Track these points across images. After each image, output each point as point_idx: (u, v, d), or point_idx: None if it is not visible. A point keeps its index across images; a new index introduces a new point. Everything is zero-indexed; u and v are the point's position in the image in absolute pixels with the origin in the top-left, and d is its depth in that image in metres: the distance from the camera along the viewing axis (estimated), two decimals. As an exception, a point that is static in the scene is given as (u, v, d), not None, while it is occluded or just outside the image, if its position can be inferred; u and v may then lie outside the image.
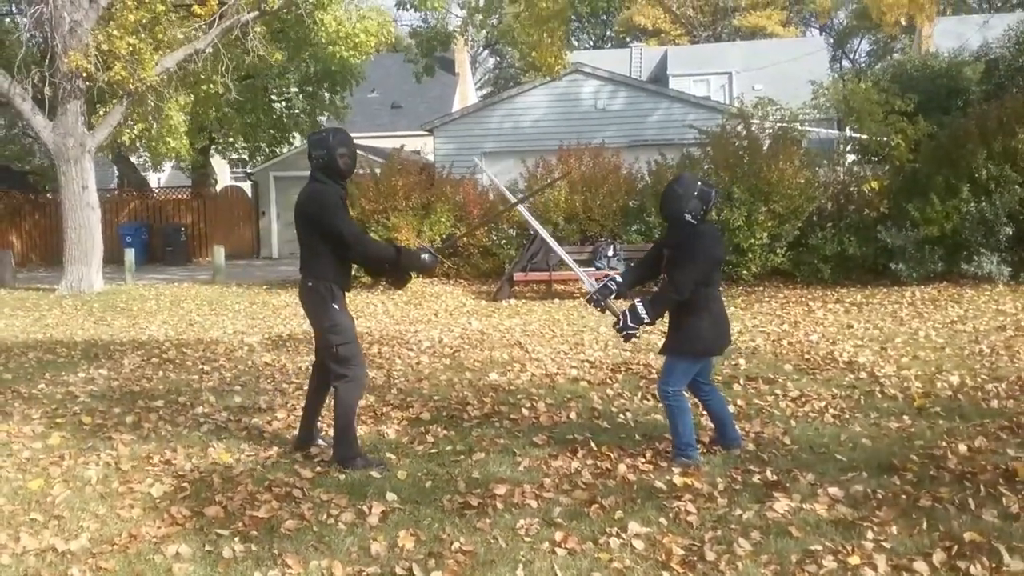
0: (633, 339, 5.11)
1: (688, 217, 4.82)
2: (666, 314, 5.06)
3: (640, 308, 4.88)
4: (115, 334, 10.85)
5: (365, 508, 4.39)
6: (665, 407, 5.08)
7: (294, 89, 24.88)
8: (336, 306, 5.01)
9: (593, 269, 13.94)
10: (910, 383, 6.90)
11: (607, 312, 5.24)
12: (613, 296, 5.14)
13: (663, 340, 5.18)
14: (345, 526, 4.21)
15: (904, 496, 4.39)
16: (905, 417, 5.93)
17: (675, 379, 4.99)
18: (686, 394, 5.11)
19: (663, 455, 5.13)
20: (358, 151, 5.42)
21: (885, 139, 14.44)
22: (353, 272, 5.33)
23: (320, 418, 5.60)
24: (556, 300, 13.35)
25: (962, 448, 5.08)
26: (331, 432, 5.31)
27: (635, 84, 22.07)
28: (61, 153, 15.83)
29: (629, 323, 4.93)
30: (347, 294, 5.19)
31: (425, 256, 5.16)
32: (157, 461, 5.34)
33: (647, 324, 4.97)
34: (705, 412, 5.48)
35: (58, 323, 12.09)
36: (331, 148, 4.97)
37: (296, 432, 5.63)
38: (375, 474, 4.92)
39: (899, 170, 13.92)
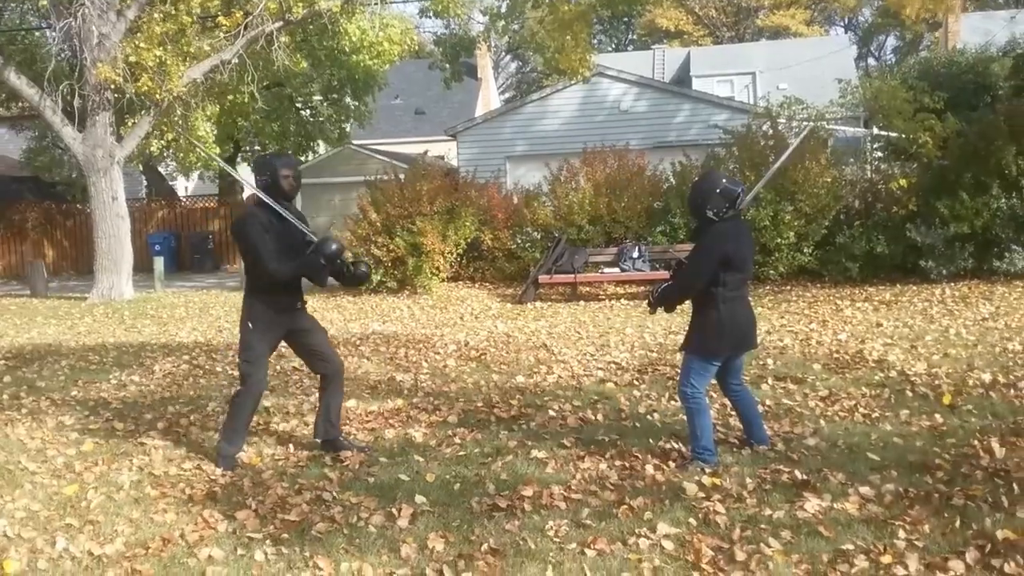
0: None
1: (709, 214, 4.82)
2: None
3: (652, 295, 5.13)
4: (145, 341, 10.98)
5: (394, 510, 4.41)
6: (684, 408, 5.07)
7: (318, 97, 25.06)
8: (250, 324, 5.23)
9: (617, 271, 13.94)
10: (941, 381, 6.84)
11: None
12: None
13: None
14: (375, 528, 4.24)
15: (936, 495, 4.35)
16: (936, 415, 5.87)
17: (692, 379, 4.97)
18: (706, 397, 5.10)
19: (688, 457, 5.11)
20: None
21: (913, 137, 14.31)
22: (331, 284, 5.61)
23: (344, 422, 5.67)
24: (581, 302, 13.34)
25: (995, 446, 5.02)
26: (357, 436, 5.38)
27: (658, 86, 22.04)
28: (91, 164, 16.05)
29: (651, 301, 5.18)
30: (305, 305, 5.53)
31: (363, 266, 5.64)
32: (188, 466, 5.40)
33: (651, 311, 5.24)
34: (734, 411, 5.47)
35: (90, 331, 12.25)
36: (274, 170, 5.17)
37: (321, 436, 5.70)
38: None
39: (927, 167, 13.78)
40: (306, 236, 5.27)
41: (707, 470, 4.82)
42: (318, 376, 5.61)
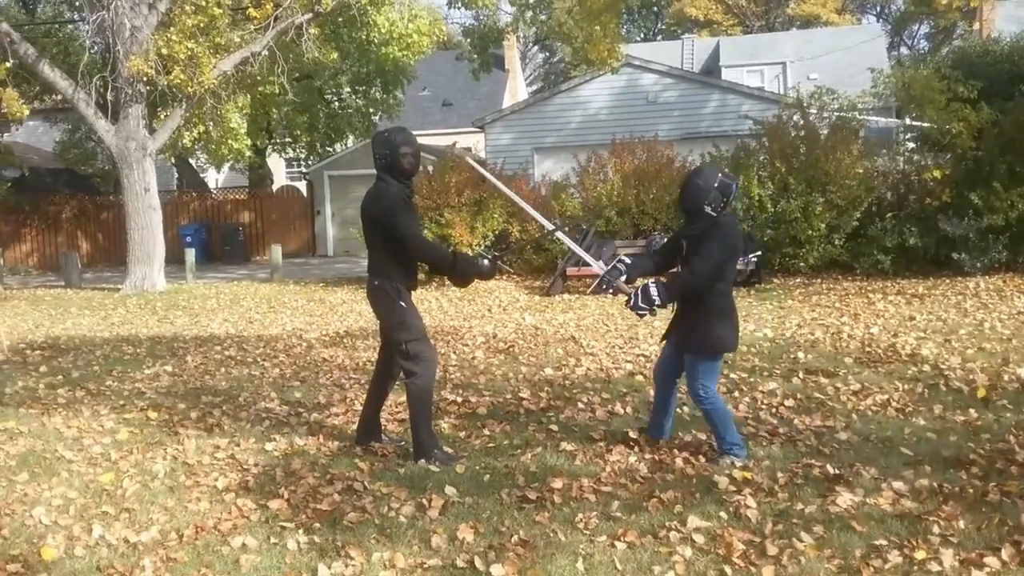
0: (645, 317, 5.05)
1: (708, 209, 4.80)
2: (676, 314, 5.08)
3: (652, 289, 4.84)
4: (178, 332, 11.11)
5: (425, 501, 4.44)
6: (702, 411, 5.02)
7: (347, 89, 25.16)
8: (403, 304, 5.06)
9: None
10: (976, 375, 6.75)
11: (618, 294, 5.16)
12: (624, 278, 5.09)
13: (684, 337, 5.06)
14: (406, 519, 4.26)
15: (971, 490, 4.30)
16: (971, 410, 5.80)
17: (704, 379, 4.93)
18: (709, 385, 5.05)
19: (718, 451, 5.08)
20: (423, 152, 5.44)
21: (947, 127, 14.12)
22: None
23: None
24: (609, 295, 13.28)
25: (1031, 441, 4.95)
26: (387, 427, 5.39)
27: (688, 76, 21.90)
28: (123, 156, 16.24)
29: (640, 302, 4.86)
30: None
31: (484, 262, 5.17)
32: (222, 455, 5.46)
33: (658, 306, 4.90)
34: (655, 397, 5.40)
35: (123, 322, 12.41)
36: (394, 147, 4.98)
37: (356, 427, 5.71)
38: (459, 469, 4.97)
39: (961, 158, 13.59)
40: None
41: (738, 464, 4.80)
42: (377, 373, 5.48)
